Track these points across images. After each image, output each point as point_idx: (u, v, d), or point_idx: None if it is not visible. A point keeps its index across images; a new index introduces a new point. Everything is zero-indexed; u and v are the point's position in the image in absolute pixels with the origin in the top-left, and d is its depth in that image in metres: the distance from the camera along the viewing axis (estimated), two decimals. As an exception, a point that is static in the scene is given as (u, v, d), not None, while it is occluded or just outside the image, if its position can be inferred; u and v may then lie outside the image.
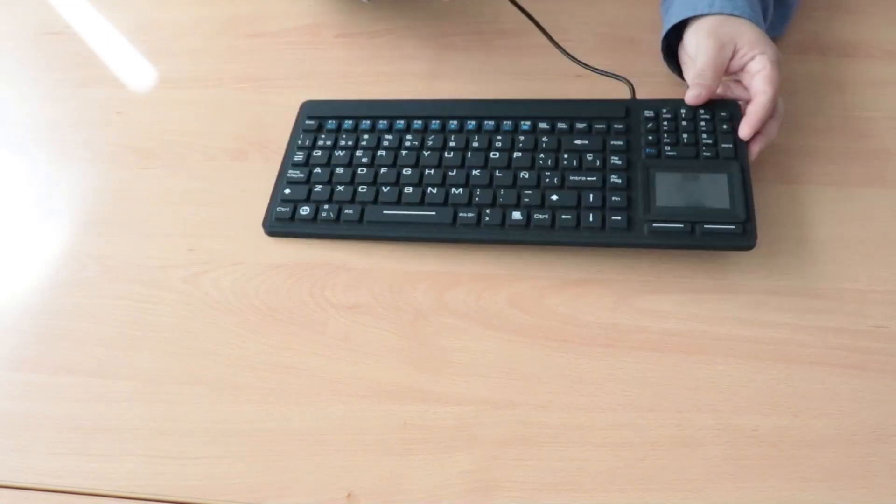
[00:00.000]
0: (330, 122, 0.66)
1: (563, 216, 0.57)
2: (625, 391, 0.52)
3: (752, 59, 0.61)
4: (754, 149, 0.60)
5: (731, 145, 0.59)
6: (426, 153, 0.62)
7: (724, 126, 0.61)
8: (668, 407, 0.51)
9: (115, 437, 0.51)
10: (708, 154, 0.59)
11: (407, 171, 0.62)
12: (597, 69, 0.69)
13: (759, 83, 0.60)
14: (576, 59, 0.69)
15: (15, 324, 0.57)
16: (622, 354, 0.53)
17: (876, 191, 0.63)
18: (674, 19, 0.65)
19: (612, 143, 0.61)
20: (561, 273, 0.58)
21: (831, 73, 0.73)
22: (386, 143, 0.64)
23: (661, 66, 0.73)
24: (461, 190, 0.60)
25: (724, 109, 0.62)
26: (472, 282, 0.58)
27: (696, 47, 0.62)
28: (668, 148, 0.60)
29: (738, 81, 0.64)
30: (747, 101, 0.62)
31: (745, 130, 0.59)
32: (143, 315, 0.57)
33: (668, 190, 0.58)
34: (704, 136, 0.60)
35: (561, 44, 0.73)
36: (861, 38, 0.76)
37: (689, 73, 0.65)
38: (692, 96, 0.61)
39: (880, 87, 0.71)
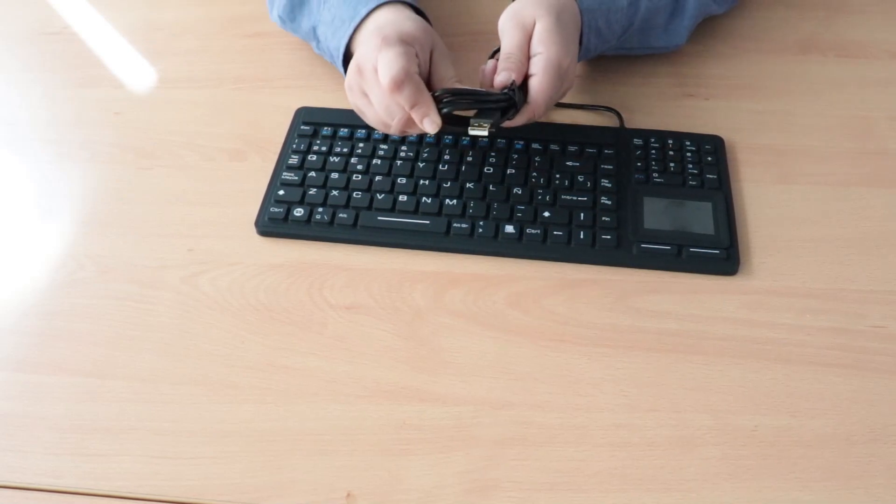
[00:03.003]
0: (325, 128, 0.67)
1: (555, 232, 0.59)
2: (623, 391, 0.52)
3: (535, 56, 0.57)
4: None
5: (715, 176, 0.62)
6: (421, 164, 0.63)
7: (709, 158, 0.63)
8: (666, 407, 0.51)
9: (112, 437, 0.51)
10: (693, 183, 0.62)
11: (402, 181, 0.62)
12: (585, 105, 0.69)
13: (531, 91, 0.57)
14: (562, 102, 0.69)
15: (13, 324, 0.57)
16: (620, 354, 0.53)
17: (875, 191, 0.63)
18: None
19: (602, 166, 0.63)
20: (559, 273, 0.58)
21: (831, 73, 0.73)
22: (381, 153, 0.64)
23: (661, 66, 0.73)
24: (455, 201, 0.61)
25: (709, 143, 0.65)
26: (470, 282, 0.58)
27: (502, 26, 0.59)
28: (655, 175, 0.62)
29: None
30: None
31: (511, 124, 0.57)
32: (140, 315, 0.57)
33: (656, 214, 0.60)
34: (690, 166, 0.63)
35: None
36: (861, 38, 0.76)
37: None
38: (502, 80, 0.56)
39: (880, 87, 0.71)
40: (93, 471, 0.49)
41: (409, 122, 0.55)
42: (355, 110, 0.60)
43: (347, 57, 0.65)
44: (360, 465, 0.49)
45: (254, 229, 0.61)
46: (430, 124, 0.54)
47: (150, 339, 0.55)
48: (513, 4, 0.59)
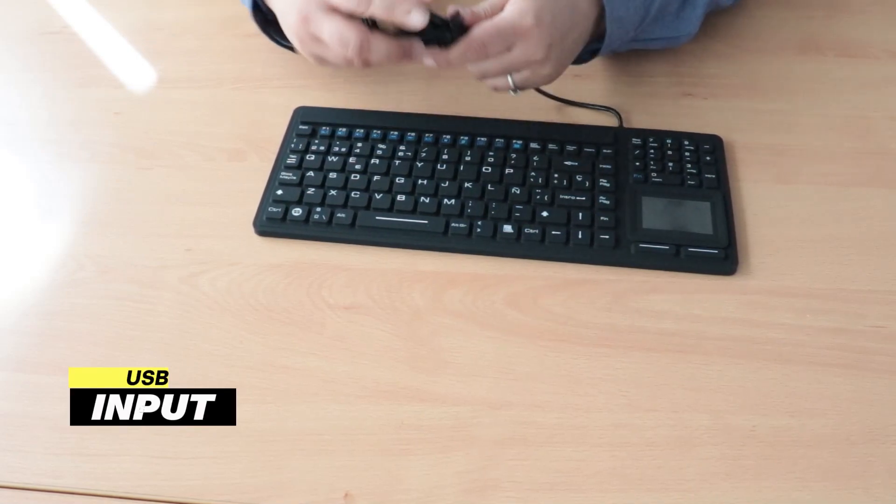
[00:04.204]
0: (323, 128, 0.67)
1: (553, 232, 0.59)
2: (622, 391, 0.52)
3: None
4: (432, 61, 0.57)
5: (714, 176, 0.62)
6: (419, 164, 0.63)
7: (708, 158, 0.63)
8: (666, 407, 0.51)
9: (112, 437, 0.51)
10: (692, 183, 0.62)
11: (400, 180, 0.62)
12: (584, 104, 0.69)
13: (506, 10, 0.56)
14: (561, 98, 0.70)
15: (13, 324, 0.57)
16: (619, 354, 0.53)
17: (876, 191, 0.63)
18: None
19: (600, 166, 0.63)
20: (558, 273, 0.58)
21: (831, 73, 0.73)
22: (379, 152, 0.64)
23: (660, 65, 0.73)
24: (453, 201, 0.61)
25: (708, 142, 0.65)
26: (469, 282, 0.58)
27: None
28: (654, 174, 0.62)
29: None
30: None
31: (448, 56, 0.56)
32: (140, 315, 0.57)
33: (655, 213, 0.60)
34: (689, 165, 0.63)
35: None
36: (861, 38, 0.76)
37: None
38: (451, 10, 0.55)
39: (880, 87, 0.71)
40: (93, 471, 0.50)
41: (364, 43, 0.55)
42: (312, 60, 0.59)
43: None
44: (360, 465, 0.49)
45: (253, 229, 0.61)
46: (417, 16, 0.53)
47: (149, 340, 0.55)
48: None
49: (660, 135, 0.65)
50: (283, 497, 0.48)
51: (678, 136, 0.65)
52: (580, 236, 0.58)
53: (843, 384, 0.52)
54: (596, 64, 0.73)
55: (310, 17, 0.56)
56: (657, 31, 0.69)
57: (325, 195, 0.62)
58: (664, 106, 0.69)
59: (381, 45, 0.56)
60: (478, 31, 0.55)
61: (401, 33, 0.56)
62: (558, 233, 0.59)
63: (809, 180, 0.64)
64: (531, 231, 0.59)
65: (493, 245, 0.59)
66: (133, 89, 0.75)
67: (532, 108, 0.69)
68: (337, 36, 0.55)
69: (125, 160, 0.68)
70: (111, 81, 0.76)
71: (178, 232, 0.62)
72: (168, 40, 0.79)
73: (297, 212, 0.61)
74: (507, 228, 0.59)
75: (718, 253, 0.57)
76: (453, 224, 0.60)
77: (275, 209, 0.61)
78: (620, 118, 0.68)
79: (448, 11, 0.56)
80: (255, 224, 0.61)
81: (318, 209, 0.61)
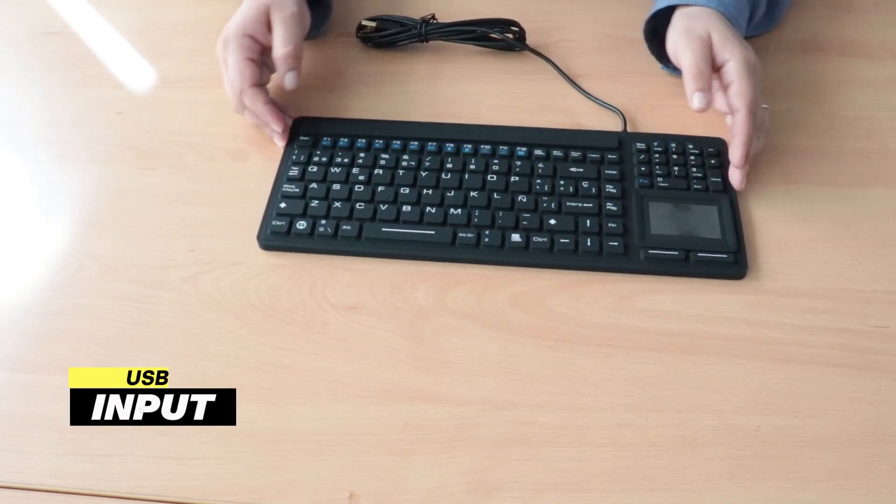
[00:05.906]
0: (325, 138, 0.66)
1: (562, 240, 0.58)
2: (625, 391, 0.52)
3: (723, 64, 0.61)
4: (739, 174, 0.60)
5: (719, 179, 0.62)
6: (423, 173, 0.63)
7: (713, 161, 0.63)
8: (669, 407, 0.51)
9: (114, 437, 0.51)
10: (698, 187, 0.61)
11: (405, 191, 0.62)
12: (593, 97, 0.70)
13: (732, 100, 0.60)
14: (577, 84, 0.71)
15: (14, 324, 0.57)
16: (623, 355, 0.53)
17: (876, 191, 0.63)
18: (659, 4, 0.66)
19: (606, 172, 0.63)
20: (561, 273, 0.58)
21: (832, 72, 0.73)
22: (382, 162, 0.64)
23: (659, 68, 0.73)
24: (460, 210, 0.60)
25: (712, 145, 0.64)
26: (472, 282, 0.58)
27: (676, 45, 0.62)
28: (660, 179, 0.62)
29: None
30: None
31: (736, 155, 0.59)
32: (142, 315, 0.57)
33: (662, 219, 0.59)
34: (694, 169, 0.62)
35: (560, 44, 0.73)
36: (861, 38, 0.76)
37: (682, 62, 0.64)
38: (699, 104, 0.59)
39: (881, 87, 0.71)
40: (93, 471, 0.49)
41: (239, 104, 0.65)
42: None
43: None
44: (363, 465, 0.49)
45: (255, 229, 0.61)
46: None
47: (151, 340, 0.55)
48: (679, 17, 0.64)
49: (664, 139, 0.65)
50: (285, 497, 0.48)
51: (682, 140, 0.65)
52: (589, 244, 0.58)
53: (847, 384, 0.52)
54: (599, 66, 0.73)
55: (228, 42, 0.63)
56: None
57: (329, 207, 0.61)
58: (667, 109, 0.69)
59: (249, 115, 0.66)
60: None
61: None
62: (567, 241, 0.58)
63: (812, 181, 0.64)
64: (539, 239, 0.58)
65: (501, 254, 0.58)
66: (133, 89, 0.75)
67: (534, 114, 0.69)
68: (233, 76, 0.64)
69: (126, 160, 0.68)
70: (111, 81, 0.75)
71: (180, 232, 0.62)
72: (168, 40, 0.79)
73: (301, 225, 0.60)
74: (516, 237, 0.58)
75: (727, 257, 0.57)
76: (461, 234, 0.59)
77: (279, 223, 0.60)
78: (624, 120, 0.67)
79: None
80: (258, 238, 0.60)
81: (323, 222, 0.60)
